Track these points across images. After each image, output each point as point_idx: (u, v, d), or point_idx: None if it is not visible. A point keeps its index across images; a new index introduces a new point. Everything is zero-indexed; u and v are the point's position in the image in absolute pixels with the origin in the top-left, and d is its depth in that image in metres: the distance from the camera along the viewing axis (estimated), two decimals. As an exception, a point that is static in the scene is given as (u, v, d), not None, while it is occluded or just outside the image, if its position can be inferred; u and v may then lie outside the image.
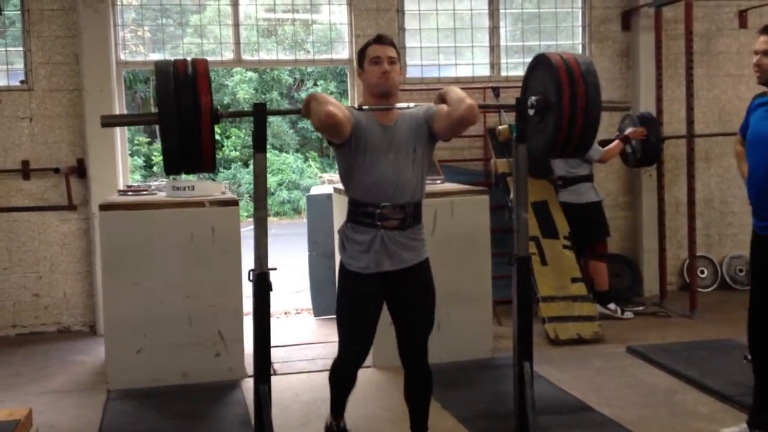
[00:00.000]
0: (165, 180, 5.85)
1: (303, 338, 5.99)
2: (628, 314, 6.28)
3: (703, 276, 7.19)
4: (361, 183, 3.26)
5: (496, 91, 6.66)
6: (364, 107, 3.27)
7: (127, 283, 4.77)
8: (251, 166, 13.29)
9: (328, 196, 6.10)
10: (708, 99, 7.24)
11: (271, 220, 14.10)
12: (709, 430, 3.91)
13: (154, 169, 16.61)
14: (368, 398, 4.48)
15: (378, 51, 3.27)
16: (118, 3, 6.37)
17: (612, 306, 6.27)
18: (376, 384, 4.77)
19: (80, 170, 6.24)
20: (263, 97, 18.26)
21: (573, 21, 7.18)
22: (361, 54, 3.35)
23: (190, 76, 3.03)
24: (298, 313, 7.01)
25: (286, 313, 6.99)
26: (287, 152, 19.22)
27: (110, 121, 3.46)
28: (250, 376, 4.34)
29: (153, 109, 3.16)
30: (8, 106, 6.19)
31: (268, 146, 3.42)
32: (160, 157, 3.18)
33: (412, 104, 3.37)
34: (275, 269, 3.26)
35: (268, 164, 3.38)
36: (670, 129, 6.95)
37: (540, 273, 5.89)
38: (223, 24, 6.55)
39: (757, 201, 3.70)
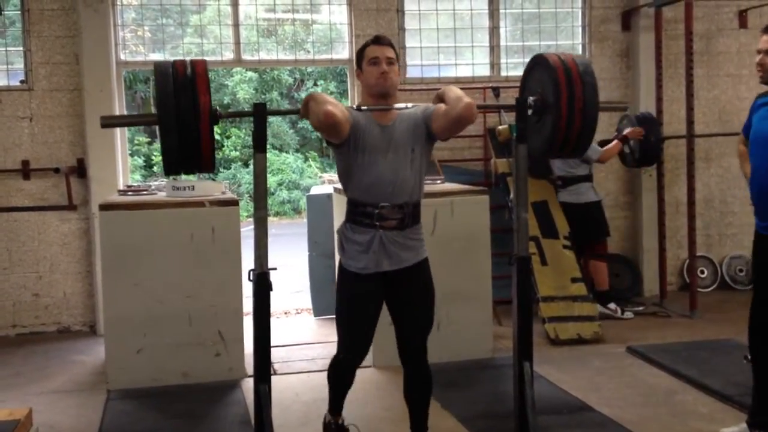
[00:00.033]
0: (165, 180, 5.85)
1: (303, 338, 5.99)
2: (628, 314, 6.29)
3: (703, 276, 7.19)
4: (359, 183, 3.27)
5: (496, 91, 6.67)
6: (363, 107, 3.28)
7: (127, 283, 4.77)
8: (251, 166, 13.30)
9: (328, 196, 6.10)
10: (708, 99, 7.24)
11: (271, 220, 14.10)
12: (709, 430, 3.91)
13: (154, 169, 16.61)
14: (368, 398, 4.48)
15: (376, 52, 3.28)
16: (118, 3, 6.37)
17: (612, 306, 6.27)
18: (376, 384, 4.77)
19: (80, 170, 6.24)
20: (263, 97, 18.26)
21: (573, 21, 7.18)
22: (360, 55, 3.36)
23: (189, 77, 3.04)
24: (298, 313, 7.01)
25: (286, 313, 6.99)
26: (287, 152, 19.22)
27: (110, 122, 3.46)
28: (250, 376, 4.34)
29: (153, 110, 3.17)
30: (8, 106, 6.20)
31: (268, 146, 3.43)
32: (160, 157, 3.19)
33: (410, 104, 3.37)
34: (275, 269, 3.26)
35: (268, 164, 3.38)
36: (670, 129, 6.95)
37: (540, 273, 5.89)
38: (223, 24, 6.55)
39: (760, 201, 3.69)
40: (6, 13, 6.23)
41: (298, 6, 6.89)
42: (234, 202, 5.02)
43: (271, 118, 12.78)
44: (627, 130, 6.38)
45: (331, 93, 18.25)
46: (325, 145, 3.66)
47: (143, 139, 17.24)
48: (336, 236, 3.43)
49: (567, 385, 4.62)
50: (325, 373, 3.67)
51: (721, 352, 5.16)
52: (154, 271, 4.80)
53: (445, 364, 4.84)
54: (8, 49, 6.30)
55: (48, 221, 6.27)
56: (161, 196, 5.32)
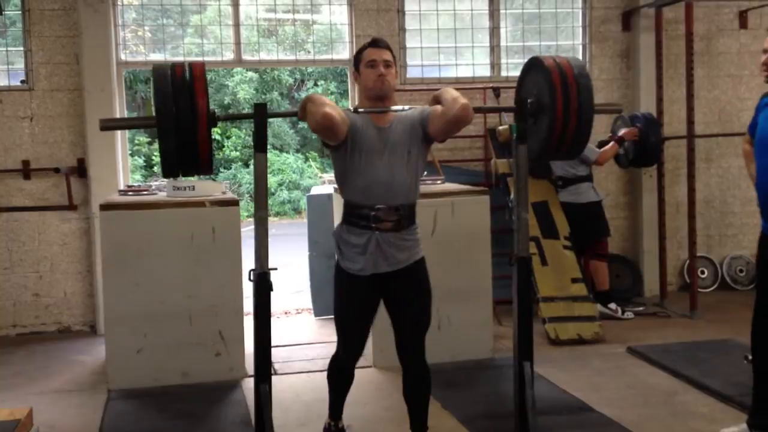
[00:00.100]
0: (165, 180, 5.85)
1: (303, 338, 5.99)
2: (629, 314, 6.29)
3: (703, 276, 7.19)
4: (355, 185, 3.28)
5: (496, 91, 6.67)
6: (360, 110, 3.29)
7: (128, 282, 4.78)
8: (251, 166, 13.29)
9: (329, 196, 6.10)
10: (708, 99, 7.24)
11: (272, 220, 14.09)
12: (709, 431, 3.91)
13: (155, 169, 16.61)
14: (368, 398, 4.49)
15: (374, 54, 3.30)
16: (119, 3, 6.37)
17: (612, 306, 6.27)
18: (376, 384, 4.77)
19: (81, 170, 6.24)
20: (264, 97, 18.27)
21: (573, 21, 7.18)
22: (357, 57, 3.39)
23: (187, 80, 3.06)
24: (298, 313, 7.01)
25: (286, 313, 6.99)
26: (288, 152, 19.23)
27: (109, 125, 3.49)
28: (250, 376, 4.34)
29: (153, 110, 3.18)
30: (9, 106, 6.20)
31: (268, 146, 3.44)
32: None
33: (407, 107, 3.38)
34: (275, 269, 3.28)
35: (268, 164, 3.39)
36: (671, 129, 6.95)
37: (540, 273, 5.89)
38: (224, 24, 6.55)
39: (765, 201, 3.68)
40: (6, 13, 6.23)
41: (299, 6, 6.89)
42: (234, 202, 5.02)
43: (271, 119, 12.77)
44: (622, 131, 6.37)
45: (332, 93, 18.26)
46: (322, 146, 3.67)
47: (143, 139, 17.24)
48: (333, 238, 3.45)
49: (567, 386, 4.62)
50: (326, 373, 3.68)
51: (722, 352, 5.15)
52: (154, 271, 4.80)
53: (445, 364, 4.84)
54: (9, 49, 6.30)
55: (48, 221, 6.27)
56: (161, 196, 5.32)
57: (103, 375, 4.94)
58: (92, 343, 5.91)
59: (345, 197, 3.37)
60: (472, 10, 6.93)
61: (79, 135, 6.25)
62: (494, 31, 6.95)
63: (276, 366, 5.12)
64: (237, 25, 6.53)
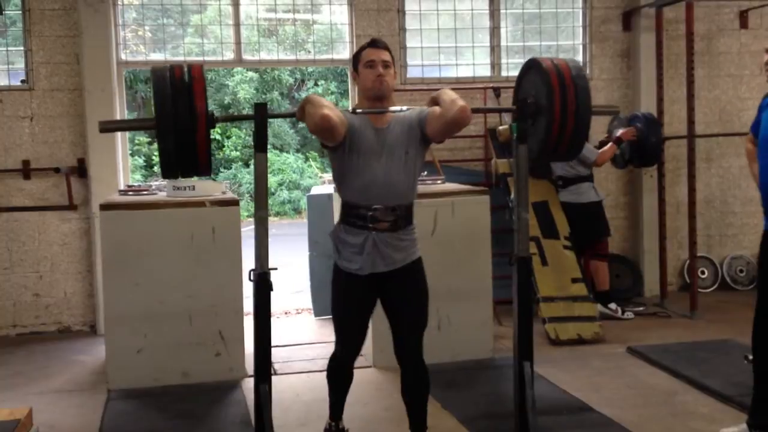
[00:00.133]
0: (165, 180, 5.85)
1: (303, 338, 5.99)
2: (629, 314, 6.28)
3: (703, 276, 7.19)
4: (353, 185, 3.30)
5: (496, 91, 6.67)
6: (358, 110, 3.30)
7: (128, 282, 4.78)
8: (252, 166, 13.30)
9: (329, 196, 6.10)
10: (709, 99, 7.24)
11: (272, 220, 14.10)
12: (709, 431, 3.91)
13: (155, 169, 16.61)
14: (368, 398, 4.49)
15: (372, 55, 3.32)
16: (119, 3, 6.37)
17: (613, 306, 6.27)
18: (376, 384, 4.77)
19: (81, 170, 6.24)
20: (264, 97, 18.27)
21: (574, 21, 7.18)
22: (356, 58, 3.40)
23: (186, 81, 3.08)
24: (298, 313, 7.01)
25: (286, 313, 6.99)
26: (288, 152, 19.23)
27: (108, 127, 3.51)
28: (250, 376, 4.34)
29: (153, 111, 3.19)
30: (9, 106, 6.20)
31: (268, 146, 3.44)
32: (160, 159, 3.22)
33: (405, 107, 3.39)
34: (276, 269, 3.29)
35: (268, 164, 3.40)
36: (671, 129, 6.95)
37: (540, 273, 5.89)
38: (224, 24, 6.55)
39: None
40: (7, 12, 6.23)
41: (299, 6, 6.89)
42: (234, 202, 5.02)
43: (271, 119, 12.76)
44: (620, 132, 6.36)
45: (332, 93, 18.26)
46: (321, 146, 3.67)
47: (144, 139, 17.24)
48: (330, 239, 3.46)
49: (567, 386, 4.62)
50: (325, 374, 3.68)
51: (722, 352, 5.15)
52: (154, 270, 4.80)
53: (446, 364, 4.84)
54: (9, 48, 6.30)
55: (48, 221, 6.27)
56: (162, 196, 5.32)
57: (103, 375, 4.94)
58: (92, 343, 5.91)
59: (342, 197, 3.38)
60: (472, 10, 6.93)
61: (80, 135, 6.25)
62: (494, 31, 6.95)
63: (276, 366, 5.11)
64: (237, 25, 6.53)
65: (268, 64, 11.74)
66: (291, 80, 19.28)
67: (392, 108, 3.34)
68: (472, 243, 5.16)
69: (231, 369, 4.90)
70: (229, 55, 6.57)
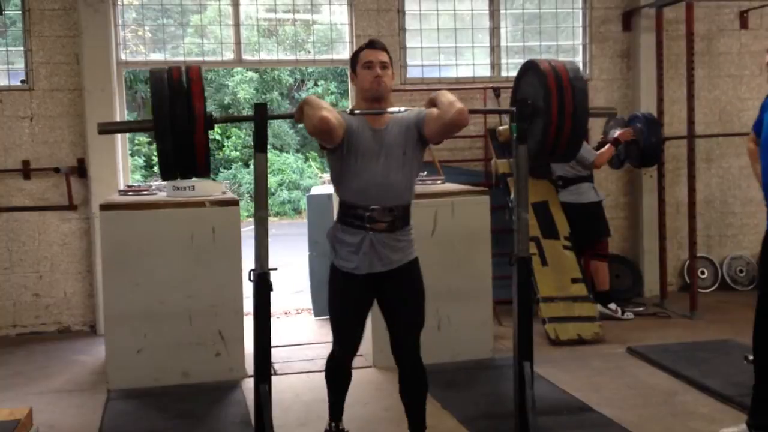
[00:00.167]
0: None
1: (303, 338, 5.99)
2: (629, 315, 6.28)
3: (703, 277, 7.19)
4: (351, 186, 3.31)
5: (496, 91, 6.67)
6: (356, 111, 3.30)
7: (128, 282, 4.77)
8: (252, 166, 13.31)
9: (329, 196, 6.10)
10: (709, 100, 7.24)
11: (272, 220, 14.11)
12: (709, 431, 3.91)
13: (155, 169, 16.60)
14: (368, 398, 4.49)
15: (370, 56, 3.32)
16: (119, 3, 6.37)
17: (612, 306, 6.27)
18: (376, 384, 4.77)
19: (81, 170, 6.24)
20: (264, 97, 18.27)
21: (574, 21, 7.18)
22: (354, 59, 3.41)
23: (184, 83, 3.09)
24: (298, 313, 7.01)
25: (286, 313, 6.99)
26: (288, 152, 19.23)
27: (107, 129, 3.52)
28: (250, 376, 4.34)
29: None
30: (9, 106, 6.20)
31: (268, 146, 3.45)
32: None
33: (402, 108, 3.40)
34: (275, 269, 3.29)
35: (268, 164, 3.40)
36: (671, 130, 6.95)
37: (540, 273, 5.89)
38: (224, 24, 6.55)
39: None
40: (6, 12, 6.23)
41: (299, 6, 6.89)
42: (234, 202, 5.02)
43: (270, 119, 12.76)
44: (617, 133, 6.35)
45: (332, 93, 18.26)
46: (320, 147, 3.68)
47: (144, 139, 17.24)
48: (327, 238, 3.47)
49: (567, 386, 4.62)
50: (324, 374, 3.68)
51: (721, 352, 5.15)
52: (154, 271, 4.80)
53: (445, 364, 4.85)
54: (9, 48, 6.30)
55: (48, 221, 6.27)
56: (162, 196, 5.32)
57: (103, 375, 4.94)
58: (92, 343, 5.91)
59: (340, 197, 3.40)
60: (472, 10, 6.93)
61: (79, 135, 6.25)
62: (494, 31, 6.95)
63: (276, 366, 5.12)
64: (237, 25, 6.53)
65: (268, 65, 11.73)
66: (291, 80, 19.28)
67: (390, 109, 3.35)
68: (472, 243, 5.16)
69: (231, 369, 4.90)
70: (229, 56, 6.57)
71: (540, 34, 7.10)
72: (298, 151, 19.53)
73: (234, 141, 18.56)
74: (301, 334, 6.12)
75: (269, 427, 3.21)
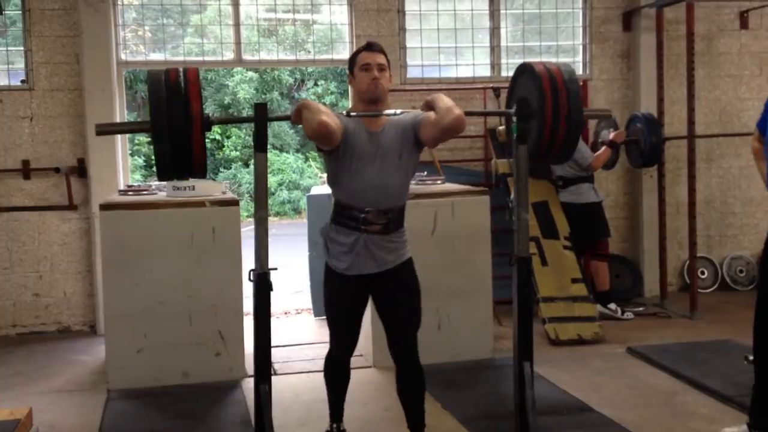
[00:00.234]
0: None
1: (303, 338, 5.99)
2: (629, 315, 6.28)
3: (703, 277, 7.19)
4: (346, 187, 3.32)
5: (496, 91, 6.67)
6: (352, 113, 3.31)
7: (128, 282, 4.77)
8: (251, 166, 13.31)
9: (329, 196, 6.02)
10: (709, 100, 7.24)
11: (272, 220, 14.11)
12: (709, 431, 3.91)
13: (155, 168, 16.59)
14: (368, 398, 4.48)
15: (368, 58, 3.33)
16: (119, 3, 6.37)
17: (612, 306, 6.27)
18: (376, 384, 4.77)
19: (81, 170, 6.24)
20: (264, 97, 18.27)
21: (574, 21, 7.18)
22: (352, 61, 3.42)
23: (182, 84, 3.11)
24: (298, 313, 7.01)
25: (286, 313, 6.99)
26: (288, 152, 19.23)
27: (105, 130, 3.54)
28: (250, 376, 4.34)
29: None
30: (9, 106, 6.20)
31: (268, 146, 3.46)
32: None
33: (399, 111, 3.40)
34: (275, 269, 3.29)
35: (268, 164, 3.41)
36: (671, 130, 6.95)
37: (540, 273, 5.89)
38: (224, 24, 6.55)
39: None
40: (7, 12, 6.23)
41: (299, 6, 6.89)
42: (234, 202, 5.02)
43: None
44: (612, 134, 6.34)
45: (332, 93, 18.26)
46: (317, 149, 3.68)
47: (144, 138, 17.21)
48: (320, 236, 3.48)
49: (567, 386, 4.62)
50: (323, 373, 3.68)
51: (722, 352, 5.15)
52: (154, 270, 4.80)
53: (445, 364, 4.85)
54: (9, 48, 6.30)
55: (48, 221, 6.27)
56: (162, 195, 5.32)
57: (103, 375, 4.94)
58: (92, 343, 5.91)
59: (335, 197, 3.41)
60: (472, 10, 6.93)
61: (79, 135, 6.25)
62: (494, 32, 6.95)
63: (276, 366, 5.11)
64: (237, 25, 6.53)
65: (268, 64, 11.73)
66: (291, 80, 19.28)
67: (386, 111, 3.35)
68: (472, 243, 5.16)
69: (231, 369, 4.90)
70: (229, 55, 6.57)
71: (540, 34, 7.10)
72: (298, 151, 19.53)
73: (234, 141, 18.56)
74: (301, 334, 6.12)
75: (269, 427, 3.21)
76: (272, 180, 17.67)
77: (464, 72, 6.92)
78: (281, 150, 19.05)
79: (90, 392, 4.79)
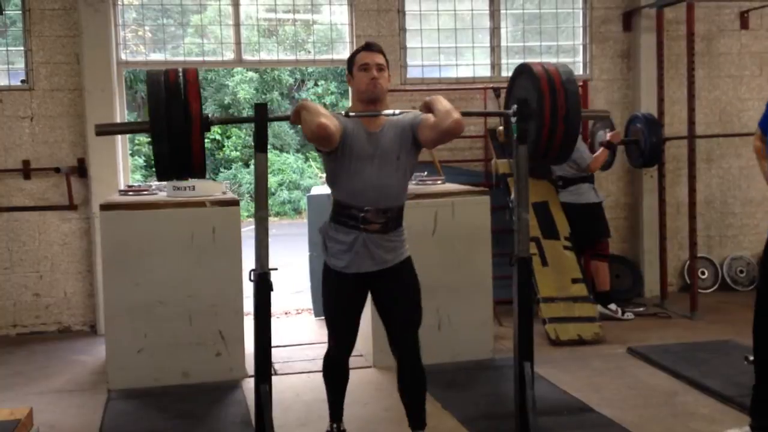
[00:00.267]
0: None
1: (303, 338, 5.99)
2: (629, 315, 6.28)
3: (703, 277, 7.18)
4: (345, 187, 3.33)
5: (496, 91, 6.67)
6: (351, 114, 3.31)
7: (128, 282, 4.77)
8: (252, 166, 13.32)
9: (329, 197, 6.06)
10: (709, 100, 7.24)
11: (272, 220, 14.11)
12: (709, 431, 3.91)
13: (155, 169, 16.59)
14: (368, 398, 4.48)
15: (367, 58, 3.33)
16: (119, 3, 6.37)
17: (613, 306, 6.27)
18: (376, 384, 4.77)
19: (81, 170, 6.24)
20: (264, 97, 18.28)
21: (574, 22, 7.18)
22: (351, 61, 3.42)
23: (181, 85, 3.12)
24: (298, 313, 7.01)
25: (286, 313, 6.99)
26: (288, 152, 19.23)
27: (104, 130, 3.54)
28: (250, 376, 4.34)
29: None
30: (9, 106, 6.20)
31: (268, 146, 3.46)
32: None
33: (398, 111, 3.41)
34: (276, 269, 3.29)
35: (268, 164, 3.41)
36: (672, 130, 6.95)
37: (540, 274, 5.89)
38: (224, 24, 6.55)
39: None
40: (7, 12, 6.23)
41: (299, 6, 6.89)
42: (234, 202, 5.02)
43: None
44: (609, 135, 6.33)
45: (332, 93, 18.26)
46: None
47: (144, 139, 17.19)
48: (319, 234, 3.48)
49: (567, 386, 4.62)
50: (322, 373, 3.68)
51: (722, 353, 5.15)
52: (154, 270, 4.80)
53: (446, 365, 4.85)
54: (9, 48, 6.30)
55: (49, 221, 6.27)
56: (162, 196, 5.32)
57: (103, 375, 4.94)
58: (92, 343, 5.91)
59: (334, 197, 3.42)
60: (472, 10, 6.93)
61: (80, 135, 6.25)
62: (495, 32, 6.95)
63: (276, 366, 5.11)
64: (237, 25, 6.52)
65: (268, 65, 11.73)
66: (291, 80, 19.28)
67: (385, 111, 3.35)
68: (472, 243, 5.16)
69: (231, 369, 4.90)
70: (229, 56, 6.57)
71: (540, 35, 7.10)
72: (298, 151, 19.53)
73: (234, 141, 18.56)
74: (301, 334, 6.12)
75: (269, 427, 3.21)
76: (272, 180, 17.67)
77: (464, 72, 6.92)
78: (281, 150, 19.05)
79: (90, 392, 4.79)
